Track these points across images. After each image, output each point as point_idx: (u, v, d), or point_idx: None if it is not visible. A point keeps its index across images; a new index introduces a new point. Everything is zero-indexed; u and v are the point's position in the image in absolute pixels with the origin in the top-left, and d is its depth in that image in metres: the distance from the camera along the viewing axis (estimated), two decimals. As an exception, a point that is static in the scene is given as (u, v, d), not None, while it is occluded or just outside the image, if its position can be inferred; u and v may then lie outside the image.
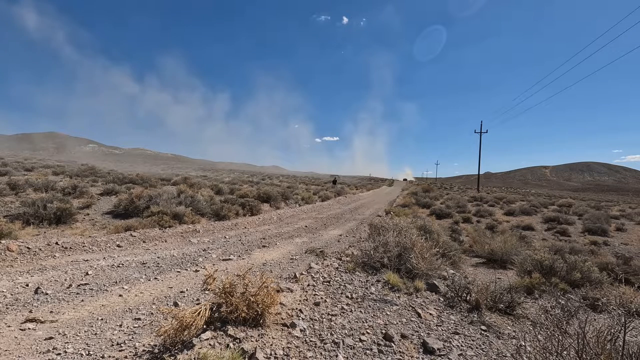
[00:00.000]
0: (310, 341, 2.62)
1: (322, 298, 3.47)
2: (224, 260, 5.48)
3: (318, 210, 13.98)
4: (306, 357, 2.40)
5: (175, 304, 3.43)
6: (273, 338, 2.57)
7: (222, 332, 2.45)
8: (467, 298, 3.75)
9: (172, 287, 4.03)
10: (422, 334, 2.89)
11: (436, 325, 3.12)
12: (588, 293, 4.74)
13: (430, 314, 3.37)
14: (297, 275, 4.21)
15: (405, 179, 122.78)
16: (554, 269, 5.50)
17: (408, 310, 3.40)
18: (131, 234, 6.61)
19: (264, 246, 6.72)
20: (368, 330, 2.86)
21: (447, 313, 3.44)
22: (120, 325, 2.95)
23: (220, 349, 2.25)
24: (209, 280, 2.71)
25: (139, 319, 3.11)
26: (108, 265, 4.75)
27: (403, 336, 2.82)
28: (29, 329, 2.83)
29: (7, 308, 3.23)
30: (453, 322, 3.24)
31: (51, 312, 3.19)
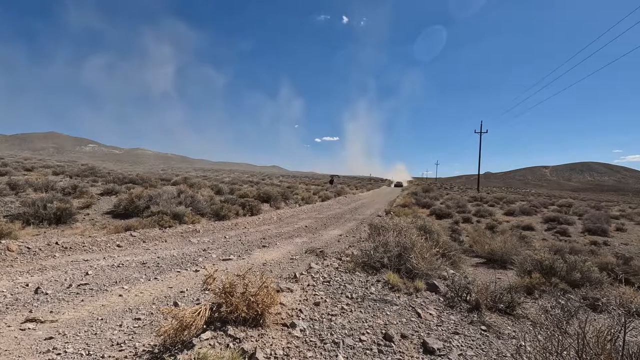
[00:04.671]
0: (310, 341, 2.62)
1: (322, 298, 3.47)
2: (224, 260, 5.48)
3: (318, 210, 13.98)
4: (306, 357, 2.40)
5: (175, 304, 3.43)
6: (273, 338, 2.57)
7: (222, 332, 2.45)
8: (467, 298, 3.75)
9: (172, 287, 4.03)
10: (422, 334, 2.89)
11: (436, 325, 3.12)
12: (588, 293, 4.74)
13: (430, 314, 3.37)
14: (297, 275, 4.21)
15: (398, 184, 62.88)
16: (554, 269, 5.50)
17: (408, 310, 3.40)
18: (131, 234, 6.61)
19: (264, 246, 6.72)
20: (368, 330, 2.86)
21: (447, 313, 3.44)
22: (120, 325, 2.95)
23: (220, 349, 2.25)
24: (209, 280, 2.71)
25: (139, 319, 3.11)
26: (108, 265, 4.75)
27: (403, 336, 2.82)
28: (29, 328, 2.83)
29: (7, 308, 3.23)
30: (453, 322, 3.24)
31: (51, 312, 3.19)
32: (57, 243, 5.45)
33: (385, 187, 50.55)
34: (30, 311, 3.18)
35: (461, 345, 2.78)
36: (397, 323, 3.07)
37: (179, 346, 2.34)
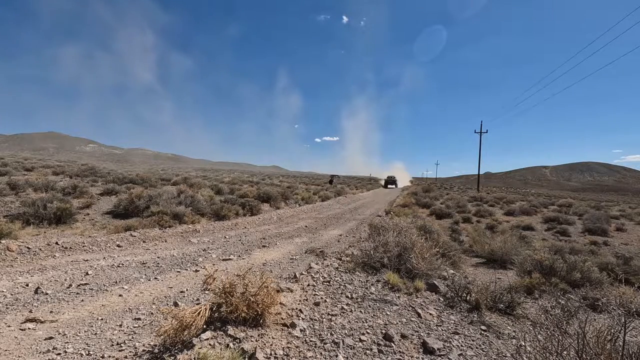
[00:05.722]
0: (310, 341, 2.62)
1: (322, 298, 3.47)
2: (224, 260, 5.48)
3: (318, 210, 13.98)
4: (306, 357, 2.40)
5: (175, 304, 3.43)
6: (273, 338, 2.57)
7: (222, 332, 2.45)
8: (467, 298, 3.75)
9: (172, 287, 4.03)
10: (422, 334, 2.89)
11: (436, 325, 3.12)
12: (588, 293, 4.74)
13: (430, 314, 3.37)
14: (297, 275, 4.21)
15: (390, 180, 49.69)
16: (554, 269, 5.50)
17: (408, 310, 3.40)
18: (131, 234, 6.61)
19: (264, 246, 6.72)
20: (368, 330, 2.86)
21: (447, 313, 3.44)
22: (120, 325, 2.95)
23: (220, 349, 2.25)
24: (209, 280, 2.72)
25: (139, 319, 3.11)
26: (108, 265, 4.75)
27: (403, 336, 2.82)
28: (29, 328, 2.83)
29: (7, 308, 3.23)
30: (453, 322, 3.24)
31: (51, 312, 3.19)
32: (57, 243, 5.45)
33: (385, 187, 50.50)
34: (30, 311, 3.18)
35: (461, 345, 2.78)
36: (397, 323, 3.07)
37: (179, 346, 2.34)
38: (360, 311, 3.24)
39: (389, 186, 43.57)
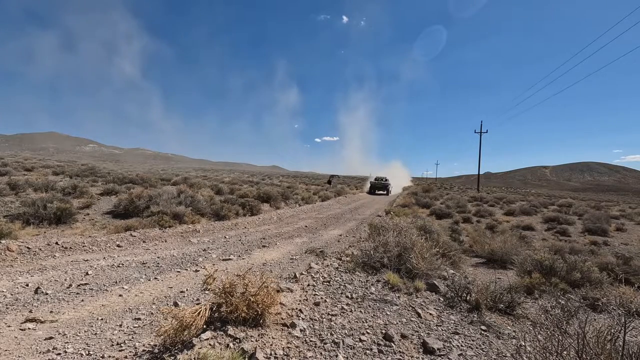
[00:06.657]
0: (310, 341, 2.62)
1: (322, 298, 3.47)
2: (224, 260, 5.48)
3: (318, 210, 13.98)
4: (306, 357, 2.40)
5: (175, 304, 3.43)
6: (273, 338, 2.57)
7: (222, 332, 2.45)
8: (467, 298, 3.75)
9: (172, 287, 4.03)
10: (422, 334, 2.89)
11: (436, 325, 3.12)
12: (588, 293, 4.74)
13: (430, 314, 3.37)
14: (297, 275, 4.20)
15: (379, 183, 29.39)
16: (554, 269, 5.50)
17: (408, 310, 3.40)
18: (131, 234, 6.61)
19: (264, 246, 6.72)
20: (368, 330, 2.86)
21: (447, 313, 3.44)
22: (120, 325, 2.95)
23: (220, 349, 2.25)
24: (209, 280, 2.71)
25: (139, 319, 3.11)
26: (108, 265, 4.75)
27: (403, 336, 2.82)
28: (29, 328, 2.83)
29: (7, 308, 3.23)
30: (453, 322, 3.24)
31: (51, 312, 3.19)
32: (57, 243, 5.45)
33: None
34: (30, 311, 3.18)
35: (461, 345, 2.78)
36: (397, 323, 3.07)
37: (179, 346, 2.34)
38: (360, 311, 3.24)
39: (377, 192, 29.63)
